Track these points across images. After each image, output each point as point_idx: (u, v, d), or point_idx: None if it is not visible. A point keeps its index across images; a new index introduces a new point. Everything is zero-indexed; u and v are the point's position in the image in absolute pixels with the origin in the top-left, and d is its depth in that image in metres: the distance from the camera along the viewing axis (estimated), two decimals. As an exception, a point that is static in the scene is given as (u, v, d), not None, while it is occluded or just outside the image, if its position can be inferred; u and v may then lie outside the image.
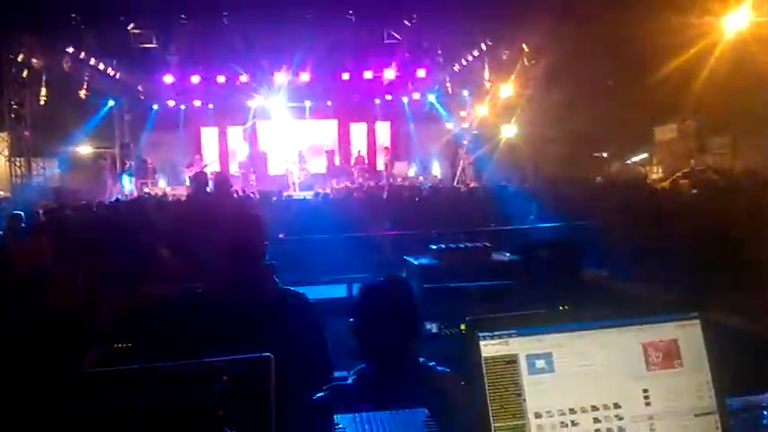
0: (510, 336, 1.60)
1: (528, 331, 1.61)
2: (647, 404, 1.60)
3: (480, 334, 1.60)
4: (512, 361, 1.59)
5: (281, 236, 9.21)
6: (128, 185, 20.63)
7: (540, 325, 1.63)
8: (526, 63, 18.79)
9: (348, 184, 20.76)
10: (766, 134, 12.52)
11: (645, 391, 1.61)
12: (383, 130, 25.59)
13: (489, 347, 1.59)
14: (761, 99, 11.65)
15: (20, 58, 16.38)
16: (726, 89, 12.04)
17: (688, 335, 1.66)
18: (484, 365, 1.58)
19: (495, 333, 1.60)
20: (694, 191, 9.47)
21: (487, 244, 6.18)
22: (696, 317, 1.68)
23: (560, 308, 2.29)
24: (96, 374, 1.51)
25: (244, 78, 20.97)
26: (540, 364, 1.60)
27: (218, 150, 24.87)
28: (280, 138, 24.17)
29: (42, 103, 17.02)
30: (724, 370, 1.63)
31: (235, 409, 1.54)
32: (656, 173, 15.55)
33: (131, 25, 17.42)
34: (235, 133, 24.93)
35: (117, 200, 17.01)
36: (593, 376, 1.61)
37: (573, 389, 1.59)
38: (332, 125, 25.17)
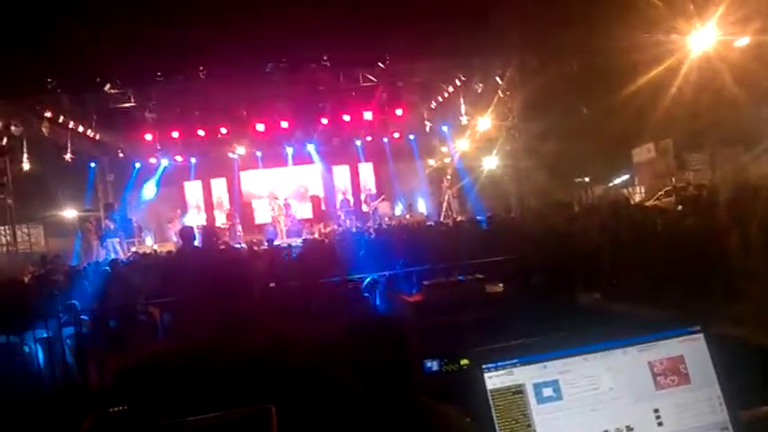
0: (514, 365, 1.58)
1: (532, 359, 1.59)
2: (660, 424, 1.57)
3: (484, 366, 1.57)
4: (518, 391, 1.56)
5: (271, 285, 9.13)
6: (114, 247, 20.44)
7: (544, 351, 1.61)
8: (501, 95, 19.05)
9: (335, 227, 20.72)
10: (742, 147, 12.72)
11: (656, 411, 1.59)
12: (366, 171, 25.68)
13: (494, 379, 1.57)
14: (729, 113, 11.86)
15: (-2, 126, 16.41)
16: (695, 106, 12.24)
17: (693, 350, 1.64)
18: (490, 398, 1.55)
19: (499, 364, 1.57)
20: (679, 207, 9.53)
21: (480, 276, 6.16)
22: (699, 331, 1.66)
23: (559, 334, 2.27)
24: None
25: (224, 130, 21.07)
26: (548, 391, 1.57)
27: (203, 203, 24.82)
28: (263, 186, 24.21)
29: (25, 169, 16.96)
30: (733, 383, 1.61)
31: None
32: (638, 193, 15.68)
33: (107, 86, 17.52)
34: (218, 185, 24.95)
35: (96, 262, 16.87)
36: (603, 400, 1.58)
37: (583, 415, 1.56)
38: (315, 170, 25.24)
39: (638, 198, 15.21)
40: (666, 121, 13.35)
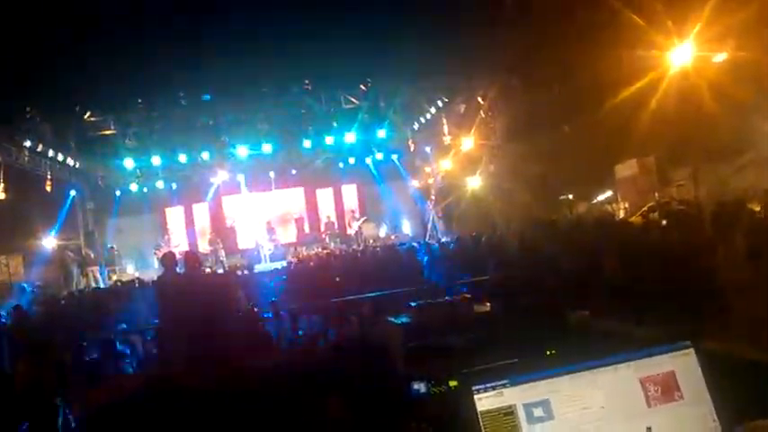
0: (504, 386, 1.54)
1: (522, 379, 1.56)
2: (654, 442, 1.54)
3: (474, 388, 1.53)
4: (509, 412, 1.52)
5: (254, 309, 9.04)
6: (94, 275, 20.17)
7: (534, 371, 1.57)
8: (483, 116, 19.17)
9: (319, 250, 20.64)
10: (724, 162, 12.84)
11: (649, 429, 1.56)
12: (350, 193, 25.66)
13: (484, 401, 1.53)
14: (710, 129, 11.97)
15: (-23, 155, 16.22)
16: (677, 122, 12.36)
17: (684, 365, 1.62)
18: (480, 420, 1.51)
19: (489, 385, 1.54)
20: (663, 222, 9.57)
21: (467, 296, 6.11)
22: (689, 346, 1.64)
23: (548, 353, 2.24)
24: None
25: (205, 155, 21.00)
26: (539, 412, 1.53)
27: (185, 229, 24.61)
28: (246, 211, 24.09)
29: (3, 198, 16.73)
30: (726, 398, 1.59)
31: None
32: (622, 209, 15.75)
33: (87, 113, 17.44)
34: (201, 210, 24.77)
35: (80, 291, 16.69)
36: (594, 419, 1.55)
37: (575, 435, 1.53)
38: (298, 193, 25.19)
39: (621, 214, 15.25)
40: (649, 137, 13.43)
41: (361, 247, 20.10)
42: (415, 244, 17.26)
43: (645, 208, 13.19)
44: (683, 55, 12.09)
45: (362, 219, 23.38)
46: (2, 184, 16.78)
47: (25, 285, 15.67)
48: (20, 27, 12.70)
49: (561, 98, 14.56)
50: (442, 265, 10.96)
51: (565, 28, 12.61)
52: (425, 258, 12.45)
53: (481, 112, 19.21)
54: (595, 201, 17.18)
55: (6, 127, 16.61)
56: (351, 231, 23.41)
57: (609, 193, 16.95)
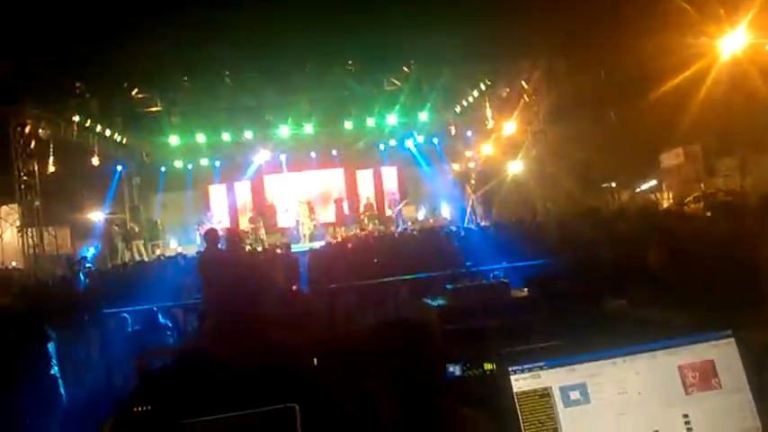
0: (541, 368, 1.56)
1: (559, 362, 1.57)
2: (689, 429, 1.55)
3: (511, 368, 1.55)
4: (545, 394, 1.54)
5: (293, 288, 9.16)
6: (139, 249, 20.62)
7: (572, 355, 1.58)
8: (527, 99, 18.94)
9: (358, 231, 20.73)
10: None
11: (685, 416, 1.56)
12: (389, 175, 25.67)
13: (521, 382, 1.55)
14: (760, 118, 11.66)
15: (27, 129, 16.63)
16: (725, 111, 12.06)
17: (724, 354, 1.61)
18: (516, 401, 1.53)
19: (526, 366, 1.55)
20: (708, 213, 9.37)
21: (504, 280, 6.12)
22: (730, 335, 1.63)
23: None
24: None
25: (248, 135, 21.21)
26: (575, 395, 1.55)
27: (227, 206, 24.99)
28: (287, 190, 24.34)
29: (51, 172, 17.16)
30: (765, 388, 1.58)
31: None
32: (666, 199, 15.46)
33: (135, 90, 17.73)
34: (242, 188, 25.12)
35: (124, 264, 17.15)
36: (631, 404, 1.55)
37: (611, 419, 1.54)
38: (338, 174, 25.32)
39: (665, 204, 14.98)
40: (695, 126, 13.14)
41: (399, 230, 20.14)
42: (453, 228, 17.22)
43: (690, 198, 12.93)
44: (734, 42, 11.75)
45: (404, 201, 23.42)
46: (51, 158, 17.23)
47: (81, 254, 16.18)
48: (70, 4, 12.95)
49: (607, 84, 14.30)
50: (480, 250, 10.93)
51: (612, 11, 12.35)
52: (463, 242, 12.44)
53: (525, 96, 18.98)
54: (639, 189, 16.89)
55: (56, 102, 17.03)
56: (390, 213, 23.46)
57: (653, 183, 16.65)
